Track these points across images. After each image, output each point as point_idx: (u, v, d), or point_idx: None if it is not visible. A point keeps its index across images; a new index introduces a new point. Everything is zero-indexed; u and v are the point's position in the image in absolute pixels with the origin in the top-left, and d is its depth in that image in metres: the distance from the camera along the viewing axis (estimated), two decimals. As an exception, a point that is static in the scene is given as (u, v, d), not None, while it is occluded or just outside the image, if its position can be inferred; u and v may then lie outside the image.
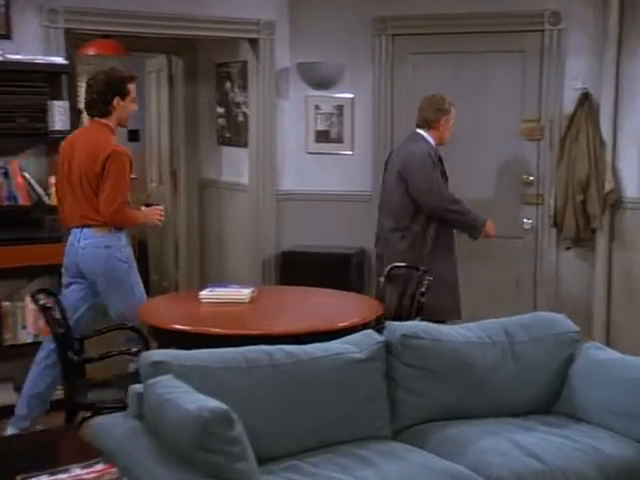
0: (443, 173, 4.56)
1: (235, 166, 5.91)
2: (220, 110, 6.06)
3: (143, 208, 4.13)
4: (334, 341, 2.92)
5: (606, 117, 5.08)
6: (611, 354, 3.11)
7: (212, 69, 6.10)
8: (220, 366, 2.64)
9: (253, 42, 5.47)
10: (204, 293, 3.78)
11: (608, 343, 5.07)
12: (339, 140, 5.56)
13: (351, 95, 5.51)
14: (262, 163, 5.56)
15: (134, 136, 7.39)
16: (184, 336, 3.32)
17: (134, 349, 3.37)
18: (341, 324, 3.40)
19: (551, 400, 3.08)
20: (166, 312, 3.72)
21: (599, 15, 5.04)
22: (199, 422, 2.21)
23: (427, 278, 3.93)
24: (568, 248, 5.26)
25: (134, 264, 4.00)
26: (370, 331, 3.01)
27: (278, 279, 5.44)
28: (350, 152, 5.57)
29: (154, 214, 4.11)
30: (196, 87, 6.37)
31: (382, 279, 4.22)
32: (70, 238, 4.00)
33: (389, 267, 4.25)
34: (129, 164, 3.87)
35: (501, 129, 5.35)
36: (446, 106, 4.59)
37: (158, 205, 4.23)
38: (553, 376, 3.08)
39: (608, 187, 5.09)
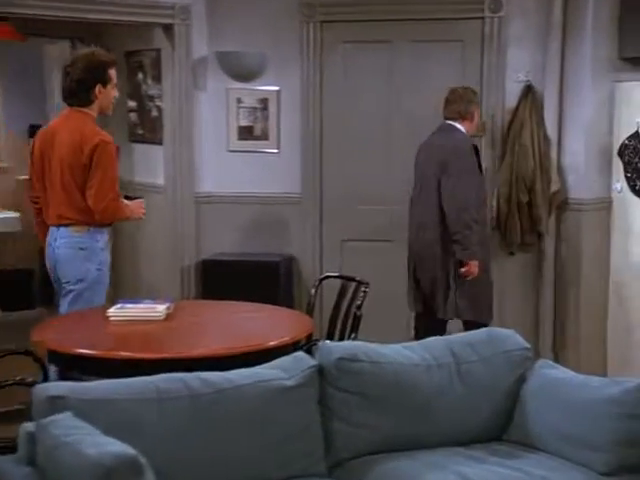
0: (479, 165, 4.66)
1: (149, 166, 5.85)
2: (131, 104, 5.98)
3: (125, 201, 4.04)
4: (261, 366, 2.80)
5: (551, 111, 5.11)
6: (565, 373, 3.05)
7: (122, 58, 5.92)
8: (129, 399, 2.49)
9: (167, 28, 5.38)
10: (113, 310, 3.64)
11: (556, 355, 5.13)
12: (264, 137, 5.50)
13: (276, 88, 5.48)
14: (179, 162, 5.51)
15: (35, 131, 7.08)
16: (88, 361, 3.17)
17: (29, 379, 3.14)
18: (269, 344, 3.29)
19: (502, 425, 3.02)
20: (67, 333, 3.53)
21: (542, 2, 5.06)
22: (100, 471, 2.03)
23: (364, 290, 3.84)
24: (512, 253, 5.25)
25: (107, 272, 3.98)
26: (301, 354, 2.89)
27: (198, 291, 5.39)
28: (276, 150, 5.52)
29: (139, 208, 4.06)
30: (104, 78, 6.18)
31: (313, 291, 4.15)
32: (48, 238, 3.98)
33: (321, 277, 4.22)
34: (116, 152, 3.88)
35: (438, 124, 5.25)
36: (477, 98, 4.79)
37: (140, 198, 4.16)
38: (503, 399, 3.01)
39: (554, 187, 5.10)
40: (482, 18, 5.17)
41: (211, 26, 5.37)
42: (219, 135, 5.47)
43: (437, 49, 5.25)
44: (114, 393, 2.48)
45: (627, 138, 4.92)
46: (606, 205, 5.10)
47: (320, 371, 2.79)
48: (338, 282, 4.14)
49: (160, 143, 5.61)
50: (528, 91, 5.09)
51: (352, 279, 4.03)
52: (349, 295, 3.97)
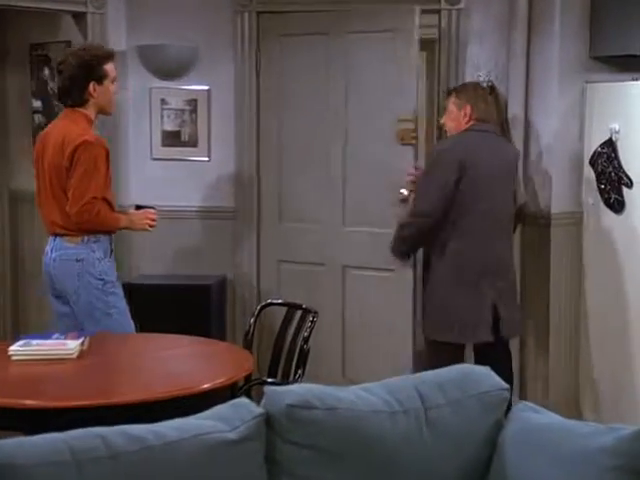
0: None
1: None
2: (36, 104, 5.88)
3: (132, 210, 4.17)
4: (195, 416, 2.60)
5: (515, 115, 5.08)
6: (549, 417, 2.91)
7: (25, 51, 5.87)
8: (36, 463, 2.26)
9: (78, 17, 5.30)
10: (15, 347, 3.49)
11: (521, 387, 5.09)
12: (192, 143, 5.45)
13: (206, 87, 5.45)
14: None
15: None
16: (-19, 413, 3.01)
17: None
18: (202, 387, 3.18)
19: (478, 479, 2.84)
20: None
21: (506, -8, 5.08)
22: None
23: (311, 319, 3.76)
24: None
25: (116, 282, 4.06)
26: (243, 400, 2.71)
27: None
28: (206, 158, 5.47)
29: (143, 218, 4.11)
30: (4, 73, 6.08)
31: (252, 320, 4.04)
32: (45, 248, 4.11)
33: (261, 304, 4.12)
34: (105, 156, 3.94)
35: (378, 129, 5.11)
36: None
37: (151, 207, 4.18)
38: (479, 449, 2.87)
39: (519, 200, 5.02)
40: (438, 11, 5.13)
41: (130, 15, 5.33)
42: (141, 141, 5.44)
43: (383, 44, 5.09)
44: (15, 456, 2.25)
45: (600, 145, 4.88)
46: (577, 220, 5.07)
47: (267, 421, 2.62)
48: (281, 310, 4.05)
49: None
50: (490, 92, 4.96)
51: (298, 307, 3.94)
52: (294, 325, 3.89)
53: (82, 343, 3.54)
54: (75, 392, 3.19)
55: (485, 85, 5.00)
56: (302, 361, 3.67)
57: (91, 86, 3.98)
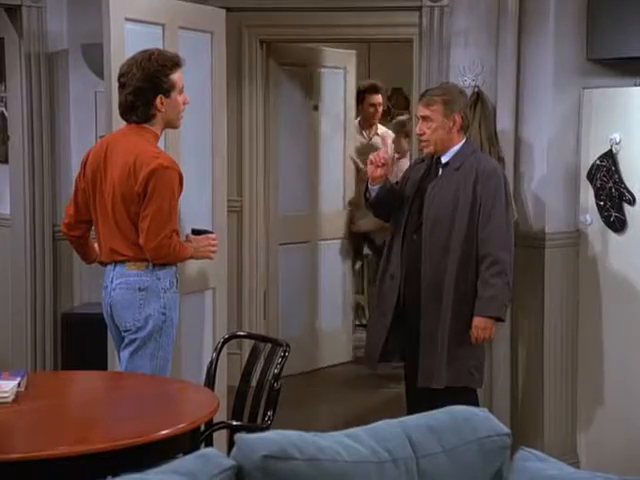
0: None
1: None
2: None
3: (190, 236, 4.13)
4: (155, 470, 2.47)
5: (505, 124, 5.06)
6: (556, 467, 2.86)
7: None
8: None
9: (11, 11, 5.25)
10: None
11: (512, 423, 5.03)
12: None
13: None
14: (32, 186, 5.37)
15: None
16: None
17: None
18: (159, 434, 3.07)
19: (476, 538, 2.78)
20: None
21: (493, -11, 5.10)
22: None
23: (282, 354, 3.69)
24: None
25: (175, 318, 3.99)
26: (211, 450, 2.61)
27: (57, 358, 5.28)
28: None
29: (206, 245, 4.12)
30: None
31: (214, 355, 3.99)
32: (103, 280, 4.06)
33: (225, 336, 4.08)
34: (179, 181, 3.89)
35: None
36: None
37: (209, 232, 4.19)
38: None
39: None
40: (419, 8, 5.10)
41: (72, 8, 5.30)
42: (85, 152, 5.15)
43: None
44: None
45: (599, 158, 4.87)
46: (573, 240, 5.04)
47: (239, 475, 2.53)
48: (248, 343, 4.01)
49: (4, 161, 5.59)
50: (477, 99, 5.02)
51: (267, 339, 3.93)
52: (261, 361, 3.85)
53: (18, 384, 3.43)
54: (9, 443, 3.11)
55: (471, 91, 4.99)
56: (272, 402, 3.61)
57: (158, 100, 3.92)
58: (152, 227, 3.82)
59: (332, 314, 7.17)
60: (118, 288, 3.94)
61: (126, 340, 3.95)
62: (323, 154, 7.03)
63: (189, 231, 4.16)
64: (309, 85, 6.91)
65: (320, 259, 7.06)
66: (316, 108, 6.93)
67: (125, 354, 3.95)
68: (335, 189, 7.13)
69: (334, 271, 7.14)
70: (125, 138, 3.99)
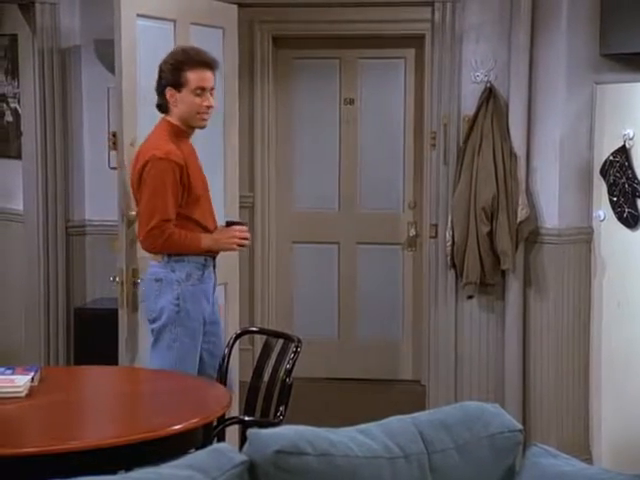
0: None
1: (2, 186, 5.90)
2: None
3: (220, 227, 4.13)
4: (167, 465, 2.50)
5: (517, 119, 5.06)
6: (569, 464, 2.85)
7: None
8: None
9: (25, 7, 5.30)
10: None
11: (524, 419, 5.07)
12: None
13: None
14: (45, 182, 5.38)
15: None
16: None
17: None
18: (172, 429, 3.12)
19: (488, 535, 2.79)
20: None
21: (506, -16, 5.10)
22: None
23: (294, 349, 3.71)
24: (470, 297, 5.19)
25: (194, 310, 3.95)
26: (223, 445, 2.63)
27: (71, 353, 5.28)
28: None
29: (231, 237, 4.07)
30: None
31: (226, 351, 4.03)
32: None
33: (237, 332, 4.14)
34: (175, 171, 3.87)
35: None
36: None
37: (242, 224, 4.18)
38: None
39: (522, 215, 5.06)
40: (432, 3, 5.11)
41: (85, 5, 5.31)
42: (98, 148, 5.38)
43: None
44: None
45: (612, 154, 4.86)
46: (586, 237, 5.04)
47: (251, 470, 2.55)
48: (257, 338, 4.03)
49: (18, 157, 5.61)
50: (489, 95, 5.05)
51: (279, 335, 3.94)
52: (274, 356, 3.87)
53: (32, 379, 3.47)
54: (24, 437, 3.15)
55: (484, 86, 5.00)
56: (284, 397, 3.64)
57: (168, 92, 4.00)
58: (142, 217, 3.92)
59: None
60: (144, 279, 4.12)
61: (149, 330, 4.05)
62: (362, 149, 6.68)
63: (224, 223, 4.17)
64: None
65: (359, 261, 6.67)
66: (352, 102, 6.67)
67: (149, 344, 4.05)
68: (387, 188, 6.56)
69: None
70: (151, 131, 4.11)
